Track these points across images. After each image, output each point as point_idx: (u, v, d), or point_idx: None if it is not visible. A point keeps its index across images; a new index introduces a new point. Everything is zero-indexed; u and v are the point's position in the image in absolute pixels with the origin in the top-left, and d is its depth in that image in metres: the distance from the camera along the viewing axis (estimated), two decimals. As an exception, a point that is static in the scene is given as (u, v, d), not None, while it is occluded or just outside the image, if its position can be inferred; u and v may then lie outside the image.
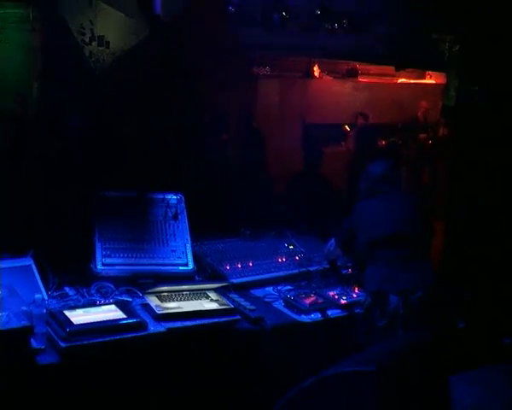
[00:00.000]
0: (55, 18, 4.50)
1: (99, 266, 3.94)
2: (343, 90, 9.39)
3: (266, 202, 5.97)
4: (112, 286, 3.80)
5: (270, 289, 4.16)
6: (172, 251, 4.17)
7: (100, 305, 3.56)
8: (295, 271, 4.35)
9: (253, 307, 3.75)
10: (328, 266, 4.39)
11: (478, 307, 4.66)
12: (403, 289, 3.71)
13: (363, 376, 2.77)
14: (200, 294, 3.81)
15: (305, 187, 6.11)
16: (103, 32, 4.70)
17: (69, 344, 3.15)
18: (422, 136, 8.75)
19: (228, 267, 4.20)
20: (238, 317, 3.67)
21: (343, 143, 8.77)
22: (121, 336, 3.29)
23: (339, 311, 3.94)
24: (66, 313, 3.36)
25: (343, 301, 3.98)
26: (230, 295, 3.89)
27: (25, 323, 3.12)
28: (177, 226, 4.28)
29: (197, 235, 4.37)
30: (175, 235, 4.24)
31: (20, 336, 3.08)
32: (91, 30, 4.62)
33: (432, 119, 8.83)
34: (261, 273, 4.26)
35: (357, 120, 8.89)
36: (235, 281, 4.08)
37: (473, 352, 4.02)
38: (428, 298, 3.72)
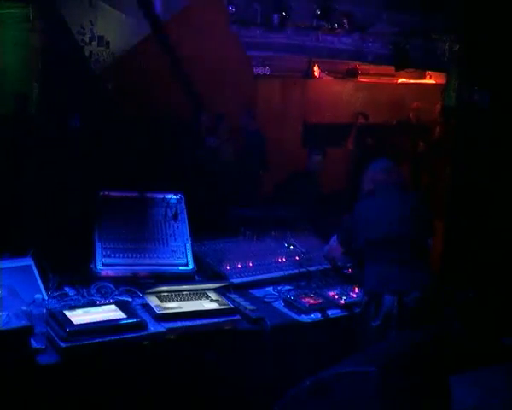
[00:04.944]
0: (55, 18, 4.50)
1: (99, 266, 3.94)
2: (343, 90, 9.39)
3: (266, 202, 5.97)
4: (112, 286, 3.80)
5: (270, 289, 4.15)
6: (172, 251, 4.16)
7: (100, 305, 3.55)
8: (295, 271, 4.35)
9: (253, 307, 3.75)
10: (328, 266, 4.39)
11: (478, 307, 4.66)
12: (398, 290, 3.71)
13: (363, 376, 2.77)
14: (200, 294, 3.80)
15: (305, 187, 6.11)
16: (103, 32, 4.72)
17: (69, 344, 3.14)
18: (422, 135, 8.75)
19: (228, 267, 4.19)
20: (238, 317, 3.67)
21: (343, 143, 8.77)
22: (121, 336, 3.29)
23: (339, 311, 3.93)
24: (66, 313, 3.36)
25: (343, 301, 3.98)
26: (230, 295, 3.88)
27: (25, 323, 3.11)
28: (177, 226, 4.28)
29: (197, 235, 4.37)
30: (175, 235, 4.24)
31: (20, 336, 3.08)
32: (91, 30, 4.63)
33: (427, 119, 8.82)
34: (261, 273, 4.26)
35: (358, 120, 8.88)
36: (235, 281, 4.08)
37: (473, 352, 4.03)
38: (424, 299, 3.72)
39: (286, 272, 4.33)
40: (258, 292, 4.10)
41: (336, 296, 4.03)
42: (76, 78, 4.47)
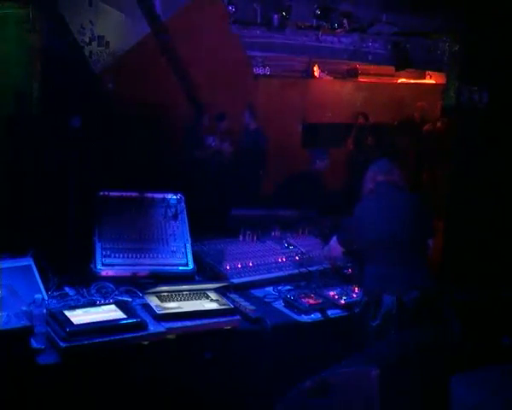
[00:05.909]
0: (55, 18, 4.50)
1: (99, 266, 3.94)
2: (343, 90, 9.40)
3: (266, 202, 5.97)
4: (112, 286, 3.80)
5: (270, 289, 4.16)
6: (172, 251, 4.16)
7: (100, 305, 3.56)
8: (295, 271, 4.35)
9: (253, 307, 3.75)
10: (328, 266, 4.40)
11: (478, 307, 4.66)
12: (397, 290, 3.71)
13: (363, 376, 2.78)
14: (200, 294, 3.81)
15: (305, 186, 6.11)
16: (103, 32, 4.71)
17: (69, 344, 3.14)
18: (423, 133, 8.76)
19: (228, 267, 4.19)
20: (238, 317, 3.67)
21: (343, 143, 8.77)
22: (121, 336, 3.29)
23: (339, 311, 3.94)
24: (66, 313, 3.36)
25: (343, 301, 3.98)
26: (230, 295, 3.88)
27: (25, 323, 3.11)
28: (177, 226, 4.28)
29: (197, 235, 4.37)
30: (175, 235, 4.24)
31: (20, 336, 3.08)
32: (91, 30, 4.63)
33: (430, 118, 8.83)
34: (261, 273, 4.26)
35: (358, 120, 8.89)
36: (235, 281, 4.08)
37: (473, 352, 4.03)
38: (424, 299, 3.72)
39: (286, 272, 4.33)
40: (258, 292, 4.10)
41: (336, 296, 4.03)
42: (76, 78, 4.46)
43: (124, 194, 4.27)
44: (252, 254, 4.43)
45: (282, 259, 4.46)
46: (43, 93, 4.46)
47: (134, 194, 4.30)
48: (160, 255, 4.12)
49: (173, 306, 3.62)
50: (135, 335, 3.34)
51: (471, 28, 5.68)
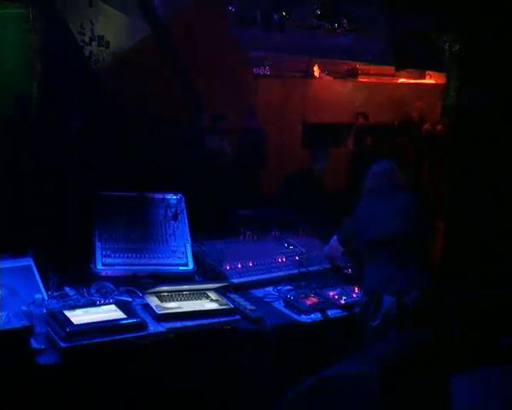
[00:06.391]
0: (55, 18, 4.50)
1: (99, 266, 3.94)
2: (343, 90, 9.37)
3: (266, 202, 5.97)
4: (112, 286, 3.80)
5: (270, 289, 4.16)
6: (172, 251, 4.17)
7: (100, 305, 3.56)
8: (295, 271, 4.35)
9: (253, 307, 3.75)
10: (328, 266, 4.40)
11: (478, 307, 4.66)
12: (397, 290, 3.71)
13: (363, 376, 2.77)
14: (200, 294, 3.81)
15: (305, 186, 6.11)
16: (103, 32, 4.70)
17: (69, 344, 3.15)
18: (423, 131, 8.74)
19: (228, 267, 4.20)
20: (238, 317, 3.67)
21: (343, 143, 8.76)
22: (121, 336, 3.30)
23: (339, 311, 3.94)
24: (66, 313, 3.36)
25: (343, 301, 3.98)
26: (230, 295, 3.89)
27: (25, 323, 3.12)
28: (177, 226, 4.28)
29: (197, 235, 4.37)
30: (175, 235, 4.24)
31: (20, 336, 3.08)
32: (91, 30, 4.62)
33: (429, 118, 8.82)
34: (261, 273, 4.27)
35: (358, 120, 8.88)
36: (235, 281, 4.08)
37: (473, 352, 4.03)
38: (424, 300, 3.72)
39: (286, 272, 4.34)
40: (258, 292, 4.10)
41: (336, 296, 4.03)
42: (76, 78, 4.46)
43: (124, 194, 4.27)
44: (252, 254, 4.43)
45: (282, 259, 4.47)
46: (43, 93, 4.46)
47: (134, 194, 4.31)
48: (160, 255, 4.12)
49: (173, 306, 3.63)
50: (135, 335, 3.34)
51: (471, 28, 5.67)
